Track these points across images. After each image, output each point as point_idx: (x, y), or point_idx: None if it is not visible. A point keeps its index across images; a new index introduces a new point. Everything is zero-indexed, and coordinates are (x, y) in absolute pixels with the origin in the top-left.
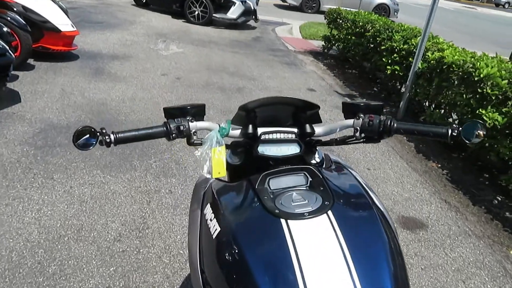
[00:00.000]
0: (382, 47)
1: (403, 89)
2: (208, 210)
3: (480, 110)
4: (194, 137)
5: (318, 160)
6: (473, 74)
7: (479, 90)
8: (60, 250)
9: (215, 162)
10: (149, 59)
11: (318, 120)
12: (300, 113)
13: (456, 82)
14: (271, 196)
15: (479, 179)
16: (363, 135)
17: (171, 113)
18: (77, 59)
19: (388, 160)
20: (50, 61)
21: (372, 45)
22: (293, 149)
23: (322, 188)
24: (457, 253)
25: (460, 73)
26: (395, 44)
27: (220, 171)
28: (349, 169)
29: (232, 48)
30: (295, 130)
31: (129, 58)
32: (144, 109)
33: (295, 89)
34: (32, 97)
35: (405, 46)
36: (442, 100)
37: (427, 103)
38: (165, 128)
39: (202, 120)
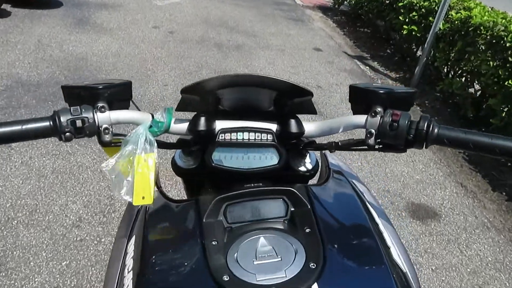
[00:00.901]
0: (399, 4)
1: (419, 53)
2: (131, 249)
3: (510, 82)
4: (106, 136)
5: (309, 166)
6: (505, 39)
7: (510, 58)
8: (5, 237)
9: (139, 180)
10: (141, 9)
11: (309, 111)
12: (284, 101)
13: (483, 48)
14: (224, 241)
15: (500, 160)
16: (379, 141)
17: (73, 95)
18: (60, 6)
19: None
20: (30, 8)
21: (388, 1)
22: (267, 158)
23: (308, 230)
24: (474, 250)
25: (489, 37)
26: (414, 1)
27: (145, 194)
28: (353, 183)
29: (233, 0)
30: (273, 127)
31: (119, 7)
32: (129, 67)
33: (300, 48)
34: (2, 49)
35: (426, 3)
36: (464, 68)
37: (445, 70)
38: (51, 123)
39: (126, 107)
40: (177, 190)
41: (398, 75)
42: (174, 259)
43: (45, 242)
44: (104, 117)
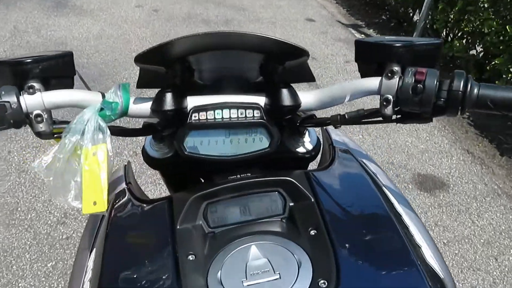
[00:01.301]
0: None
1: (416, 17)
2: (91, 265)
3: None
4: (41, 125)
5: (309, 146)
6: None
7: None
8: None
9: (87, 180)
10: None
11: (306, 78)
12: (273, 67)
13: (485, 5)
14: (205, 253)
15: (507, 123)
16: (398, 109)
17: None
18: None
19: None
20: None
21: None
22: (255, 141)
23: (313, 232)
24: (486, 220)
25: None
26: None
27: (97, 199)
28: (364, 163)
29: None
30: (261, 100)
31: None
32: (112, 49)
33: (292, 19)
34: None
35: None
36: (465, 29)
37: (445, 33)
38: None
39: (69, 86)
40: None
41: None
42: (139, 280)
43: (28, 242)
44: (34, 100)
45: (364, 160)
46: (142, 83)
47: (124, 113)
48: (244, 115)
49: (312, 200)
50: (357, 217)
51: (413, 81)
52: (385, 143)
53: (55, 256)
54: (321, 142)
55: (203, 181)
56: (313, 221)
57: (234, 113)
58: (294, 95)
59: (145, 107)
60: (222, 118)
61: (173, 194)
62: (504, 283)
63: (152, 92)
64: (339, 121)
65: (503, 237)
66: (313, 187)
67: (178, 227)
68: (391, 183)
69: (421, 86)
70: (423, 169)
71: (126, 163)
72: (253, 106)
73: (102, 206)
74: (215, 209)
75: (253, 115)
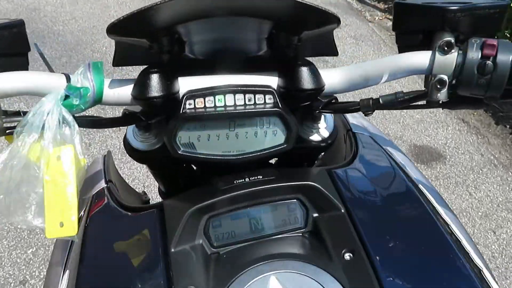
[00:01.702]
0: None
1: None
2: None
3: None
4: None
5: (325, 134)
6: None
7: None
8: None
9: (50, 194)
10: None
11: (327, 51)
12: (289, 38)
13: None
14: (210, 286)
15: None
16: (452, 92)
17: None
18: None
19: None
20: None
21: None
22: (268, 135)
23: (349, 254)
24: (483, 191)
25: None
26: None
27: (64, 219)
28: (389, 153)
29: None
30: (273, 81)
31: None
32: (89, 15)
33: None
34: None
35: None
36: None
37: None
38: None
39: (23, 67)
40: None
41: (387, 6)
42: None
43: (6, 228)
44: None
45: (389, 149)
46: (120, 60)
47: (97, 100)
48: (253, 102)
49: (342, 210)
50: (400, 231)
51: (479, 56)
52: (379, 113)
53: (36, 242)
54: (336, 127)
55: (201, 178)
56: (347, 240)
57: (240, 99)
58: (316, 74)
59: (125, 92)
60: (225, 105)
61: (165, 201)
62: (503, 256)
63: (134, 70)
64: (371, 106)
65: (501, 209)
66: (340, 191)
67: (172, 249)
68: (421, 174)
69: (491, 63)
70: (419, 140)
71: (105, 153)
72: (264, 90)
73: (71, 229)
74: (219, 223)
75: (265, 101)
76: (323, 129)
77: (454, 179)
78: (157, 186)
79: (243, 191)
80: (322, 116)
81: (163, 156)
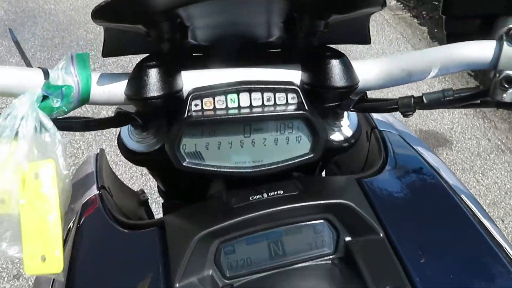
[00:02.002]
0: None
1: None
2: None
3: None
4: None
5: (349, 132)
6: None
7: None
8: None
9: (27, 221)
10: None
11: (359, 38)
12: (315, 23)
13: None
14: None
15: None
16: None
17: None
18: None
19: (398, 52)
20: None
21: None
22: (291, 142)
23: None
24: (491, 178)
25: None
26: None
27: (46, 252)
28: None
29: None
30: (296, 76)
31: None
32: None
33: None
34: None
35: None
36: None
37: None
38: None
39: None
40: None
41: None
42: None
43: None
44: None
45: (420, 150)
46: (111, 49)
47: (83, 100)
48: (272, 102)
49: (381, 234)
50: (452, 259)
51: None
52: (383, 97)
53: None
54: (360, 124)
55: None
56: (390, 273)
57: (257, 99)
58: (348, 68)
59: (117, 89)
60: (239, 107)
61: (167, 218)
62: None
63: (126, 62)
64: (412, 106)
65: (509, 197)
66: (376, 208)
67: (177, 284)
68: (457, 179)
69: None
70: (425, 125)
71: (98, 151)
72: (286, 87)
73: (55, 265)
74: (232, 249)
75: (287, 101)
76: (345, 127)
77: (461, 166)
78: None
79: (262, 212)
80: (345, 112)
81: (163, 158)
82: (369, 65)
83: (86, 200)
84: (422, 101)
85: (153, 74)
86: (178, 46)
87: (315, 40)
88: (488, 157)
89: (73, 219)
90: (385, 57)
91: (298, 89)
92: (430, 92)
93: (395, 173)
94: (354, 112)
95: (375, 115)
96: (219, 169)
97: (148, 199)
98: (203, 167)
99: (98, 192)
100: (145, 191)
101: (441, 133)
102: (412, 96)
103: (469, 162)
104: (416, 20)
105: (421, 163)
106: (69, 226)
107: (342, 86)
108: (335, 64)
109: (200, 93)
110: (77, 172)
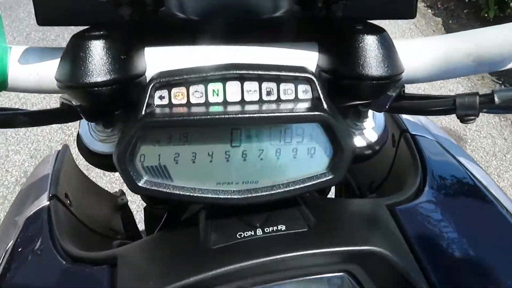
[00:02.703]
0: None
1: None
2: None
3: None
4: None
5: (373, 136)
6: None
7: None
8: None
9: None
10: None
11: (401, 12)
12: None
13: None
14: None
15: None
16: None
17: None
18: None
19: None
20: None
21: None
22: (298, 157)
23: None
24: (507, 180)
25: None
26: None
27: None
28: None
29: None
30: (312, 59)
31: None
32: None
33: None
34: None
35: None
36: None
37: None
38: None
39: None
40: None
41: None
42: None
43: None
44: None
45: (463, 161)
46: (49, 15)
47: (1, 86)
48: (274, 96)
49: None
50: None
51: None
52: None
53: None
54: (386, 128)
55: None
56: None
57: (252, 91)
58: (390, 50)
59: (48, 71)
60: (225, 101)
61: (121, 253)
62: None
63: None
64: (477, 107)
65: None
66: (417, 253)
67: None
68: (505, 195)
69: None
70: (438, 122)
71: (61, 147)
72: (296, 75)
73: None
74: None
75: (296, 95)
76: (369, 130)
77: None
78: None
79: (253, 260)
80: (370, 111)
81: None
82: (418, 47)
83: (30, 213)
84: (492, 100)
85: (97, 50)
86: (146, 15)
87: (338, 9)
88: (504, 157)
89: (13, 237)
90: (441, 36)
91: (313, 78)
92: (501, 89)
93: (439, 197)
94: (380, 113)
95: (404, 115)
96: (192, 194)
97: (127, 202)
98: (168, 190)
99: (47, 203)
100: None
101: (455, 130)
102: (477, 93)
103: (484, 162)
104: (430, 11)
105: (470, 181)
106: (7, 247)
107: (380, 76)
108: (370, 42)
109: (168, 79)
110: (31, 176)
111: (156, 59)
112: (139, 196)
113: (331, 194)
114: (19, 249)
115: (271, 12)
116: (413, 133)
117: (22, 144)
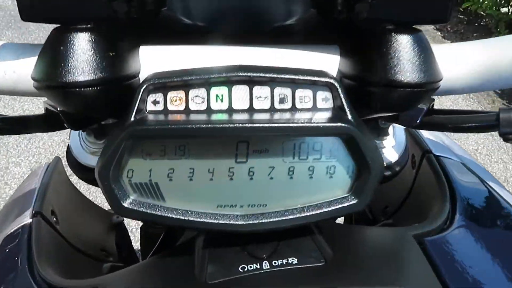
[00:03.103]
0: None
1: None
2: None
3: None
4: None
5: (394, 156)
6: None
7: None
8: None
9: None
10: None
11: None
12: None
13: None
14: None
15: None
16: None
17: None
18: None
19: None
20: None
21: None
22: (317, 179)
23: None
24: None
25: None
26: None
27: None
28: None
29: None
30: (332, 64)
31: None
32: None
33: None
34: None
35: None
36: None
37: None
38: None
39: None
40: None
41: None
42: None
43: None
44: None
45: (493, 185)
46: (34, 12)
47: None
48: (289, 103)
49: None
50: None
51: None
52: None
53: None
54: (407, 152)
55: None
56: None
57: (262, 97)
58: (426, 54)
59: (24, 71)
60: (230, 108)
61: (105, 282)
62: None
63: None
64: None
65: None
66: None
67: None
68: None
69: None
70: None
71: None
72: (315, 79)
73: None
74: None
75: (314, 103)
76: (389, 149)
77: None
78: None
79: None
80: (391, 127)
81: None
82: (457, 52)
83: (10, 231)
84: None
85: (80, 44)
86: (144, 15)
87: (363, 11)
88: None
89: None
90: (484, 41)
91: (334, 83)
92: None
93: (472, 226)
94: (401, 129)
95: (425, 134)
96: (187, 218)
97: (123, 220)
98: (159, 213)
99: (30, 220)
100: None
101: None
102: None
103: None
104: (439, 33)
105: (503, 207)
106: None
107: (414, 83)
108: (403, 43)
109: (164, 81)
110: (17, 190)
111: (152, 60)
112: None
113: (340, 219)
114: None
115: (284, 19)
116: (437, 154)
117: (23, 156)
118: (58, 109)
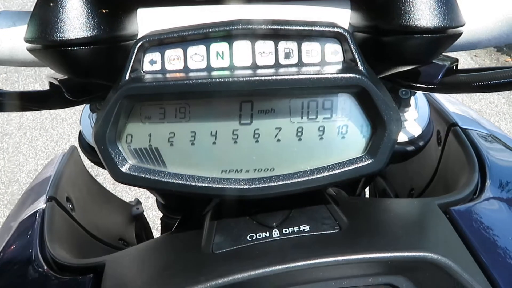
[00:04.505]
0: None
1: None
2: None
3: None
4: None
5: (417, 129)
6: None
7: None
8: None
9: None
10: None
11: None
12: None
13: None
14: None
15: None
16: None
17: None
18: None
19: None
20: None
21: None
22: (327, 139)
23: None
24: None
25: None
26: None
27: None
28: None
29: None
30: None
31: None
32: None
33: None
34: None
35: None
36: None
37: None
38: None
39: None
40: None
41: None
42: None
43: None
44: None
45: None
46: None
47: None
48: (295, 58)
49: None
50: None
51: None
52: None
53: None
54: (431, 129)
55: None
56: None
57: (266, 52)
58: None
59: (20, 39)
60: (232, 66)
61: (110, 260)
62: None
63: None
64: None
65: None
66: (482, 262)
67: None
68: None
69: None
70: None
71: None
72: (323, 30)
73: None
74: None
75: (323, 56)
76: (412, 122)
77: None
78: None
79: (269, 269)
80: (413, 98)
81: None
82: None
83: (25, 216)
84: None
85: (75, 4)
86: None
87: None
88: None
89: (6, 239)
90: None
91: (345, 33)
92: None
93: (504, 195)
94: (425, 100)
95: (450, 107)
96: (189, 183)
97: (143, 212)
98: (159, 178)
99: (43, 206)
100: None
101: None
102: None
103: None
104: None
105: None
106: None
107: (433, 27)
108: None
109: (160, 38)
110: (35, 178)
111: (150, 21)
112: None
113: None
114: (6, 254)
115: None
116: (463, 126)
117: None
118: (58, 79)
